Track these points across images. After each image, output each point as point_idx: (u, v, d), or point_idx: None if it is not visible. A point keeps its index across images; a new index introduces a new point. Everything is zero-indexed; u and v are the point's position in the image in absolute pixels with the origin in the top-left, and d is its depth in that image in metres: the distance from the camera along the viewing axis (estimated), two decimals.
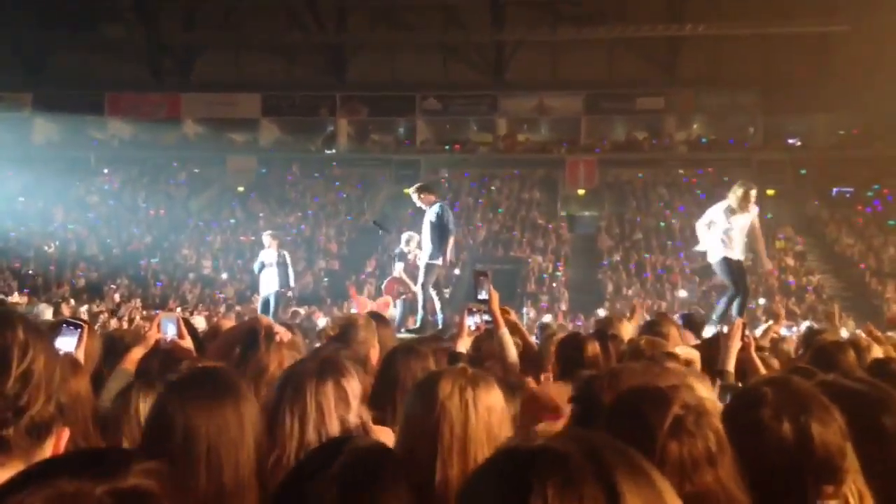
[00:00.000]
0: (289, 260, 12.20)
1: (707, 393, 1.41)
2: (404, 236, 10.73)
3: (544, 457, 0.82)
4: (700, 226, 7.85)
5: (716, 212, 7.67)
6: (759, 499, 1.51)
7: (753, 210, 7.64)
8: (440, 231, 8.58)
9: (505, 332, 4.13)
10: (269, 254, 11.95)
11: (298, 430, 1.98)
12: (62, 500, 0.83)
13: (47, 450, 1.23)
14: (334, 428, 2.03)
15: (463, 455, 1.75)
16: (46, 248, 24.30)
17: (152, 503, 0.88)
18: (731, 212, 7.55)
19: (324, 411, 2.02)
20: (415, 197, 8.91)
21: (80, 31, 32.34)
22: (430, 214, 8.70)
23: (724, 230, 7.55)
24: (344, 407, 2.05)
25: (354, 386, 2.12)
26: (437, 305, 8.93)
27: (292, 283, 12.83)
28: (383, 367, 3.10)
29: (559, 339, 4.46)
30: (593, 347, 3.78)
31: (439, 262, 8.66)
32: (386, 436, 2.23)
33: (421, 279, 8.78)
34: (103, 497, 0.83)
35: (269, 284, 11.91)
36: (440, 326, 8.70)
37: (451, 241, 8.75)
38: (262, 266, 11.95)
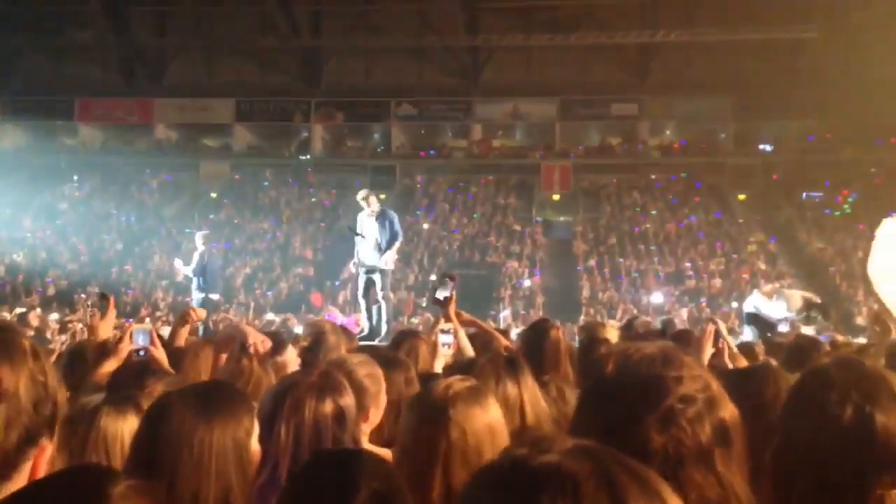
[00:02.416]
0: (215, 261, 11.88)
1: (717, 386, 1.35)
2: None
3: (554, 478, 0.77)
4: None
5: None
6: (815, 485, 1.48)
7: None
8: (394, 236, 8.77)
9: (462, 334, 4.20)
10: (198, 255, 11.53)
11: (293, 446, 1.94)
12: None
13: (20, 479, 1.14)
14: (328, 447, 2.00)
15: (464, 468, 1.75)
16: (15, 256, 23.84)
17: None
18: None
19: (320, 430, 1.98)
20: (373, 199, 8.96)
21: (48, 36, 31.82)
22: (389, 220, 8.76)
23: None
24: (339, 426, 2.02)
25: (350, 403, 2.09)
26: (364, 315, 8.93)
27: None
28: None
29: (522, 331, 4.55)
30: (556, 333, 3.82)
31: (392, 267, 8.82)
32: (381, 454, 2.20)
33: (383, 290, 8.73)
34: None
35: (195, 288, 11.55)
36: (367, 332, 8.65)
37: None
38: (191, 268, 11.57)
